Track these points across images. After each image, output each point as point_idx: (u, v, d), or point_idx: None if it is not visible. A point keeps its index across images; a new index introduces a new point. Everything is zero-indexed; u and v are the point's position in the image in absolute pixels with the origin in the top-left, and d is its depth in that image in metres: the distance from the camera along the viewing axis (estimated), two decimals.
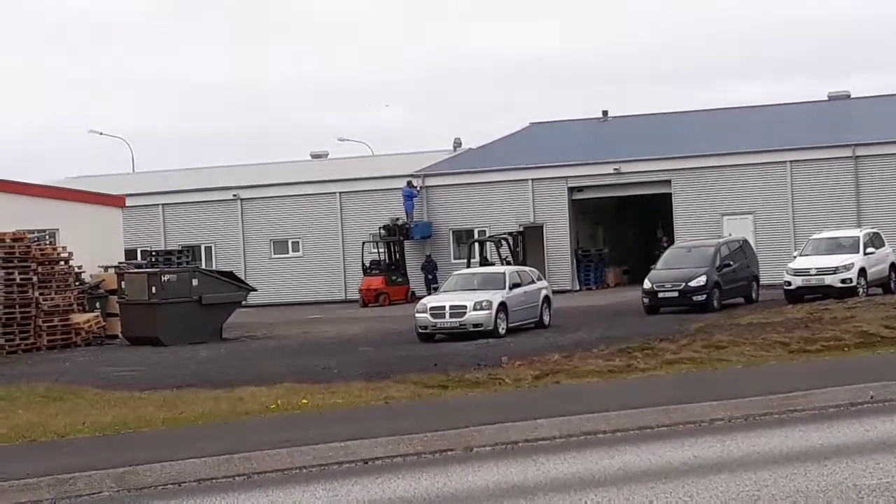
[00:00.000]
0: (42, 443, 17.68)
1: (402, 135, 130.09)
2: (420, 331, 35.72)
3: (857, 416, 16.85)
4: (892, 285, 43.47)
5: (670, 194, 56.20)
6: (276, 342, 38.04)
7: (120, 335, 40.38)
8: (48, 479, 14.41)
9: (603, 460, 14.66)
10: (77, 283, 40.96)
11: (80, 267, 41.25)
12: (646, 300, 40.89)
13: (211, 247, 61.88)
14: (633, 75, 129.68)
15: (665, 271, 41.61)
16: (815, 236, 44.57)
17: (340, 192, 60.67)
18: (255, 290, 45.34)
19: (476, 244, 55.93)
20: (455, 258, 57.69)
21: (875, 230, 45.15)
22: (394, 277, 56.68)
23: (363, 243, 57.71)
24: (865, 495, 11.82)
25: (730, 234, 49.90)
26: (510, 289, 37.00)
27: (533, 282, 38.87)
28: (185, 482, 14.67)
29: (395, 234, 57.55)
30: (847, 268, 41.09)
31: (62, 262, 40.47)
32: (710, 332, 30.27)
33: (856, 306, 35.15)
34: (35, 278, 39.13)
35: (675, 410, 17.25)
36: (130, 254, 51.80)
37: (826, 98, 65.31)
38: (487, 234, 56.98)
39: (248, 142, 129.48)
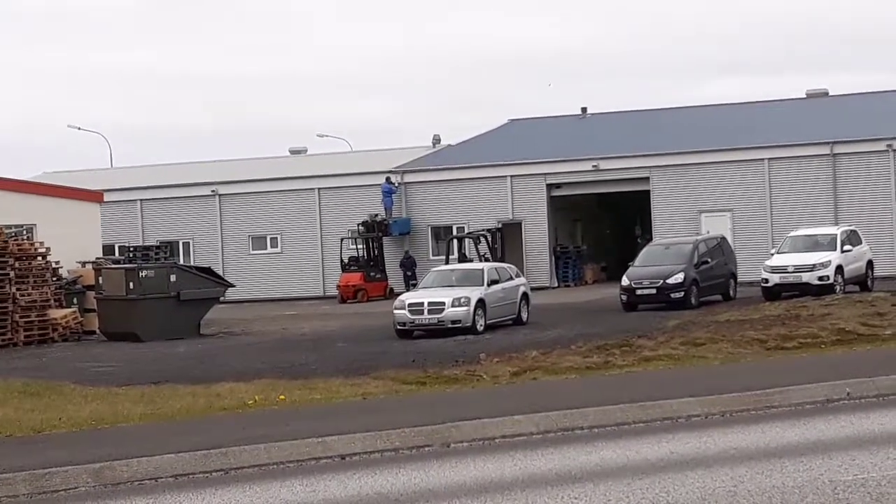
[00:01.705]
0: (18, 438, 17.64)
1: (381, 131, 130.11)
2: (398, 327, 35.72)
3: (834, 413, 16.93)
4: (869, 283, 43.65)
5: (649, 191, 56.28)
6: (254, 338, 38.00)
7: (97, 331, 40.27)
8: (24, 475, 14.37)
9: (580, 456, 14.69)
10: (54, 279, 40.82)
11: (57, 262, 41.11)
12: (624, 297, 40.96)
13: (189, 242, 61.75)
14: (613, 72, 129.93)
15: (643, 268, 41.67)
16: (792, 234, 44.69)
17: (319, 188, 60.62)
18: (234, 286, 45.28)
19: (454, 241, 55.93)
20: (434, 255, 57.68)
21: (852, 228, 45.31)
22: (372, 274, 56.64)
23: (342, 239, 57.64)
24: (841, 491, 11.87)
25: (708, 232, 50.00)
26: (488, 285, 37.02)
27: (511, 278, 38.91)
28: (161, 477, 14.66)
29: (373, 231, 57.51)
30: (824, 265, 41.22)
31: (39, 258, 40.33)
32: (688, 329, 30.35)
33: (833, 304, 35.28)
34: (12, 273, 39.00)
35: (653, 407, 17.30)
36: (108, 249, 51.65)
37: (804, 95, 65.48)
38: (466, 231, 56.98)
39: (227, 137, 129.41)
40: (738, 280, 44.50)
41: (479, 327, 35.67)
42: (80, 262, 43.16)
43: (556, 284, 57.11)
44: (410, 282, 54.32)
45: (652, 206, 56.17)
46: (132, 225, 62.13)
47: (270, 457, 15.22)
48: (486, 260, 50.73)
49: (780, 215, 53.94)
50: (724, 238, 46.44)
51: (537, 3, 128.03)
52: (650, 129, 61.17)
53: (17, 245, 39.99)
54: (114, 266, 42.46)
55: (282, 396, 20.85)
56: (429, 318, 35.51)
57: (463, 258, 53.58)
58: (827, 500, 11.59)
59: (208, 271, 42.88)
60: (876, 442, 14.44)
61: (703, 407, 17.37)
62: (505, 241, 56.24)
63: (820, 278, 40.94)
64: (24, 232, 42.57)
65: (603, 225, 61.88)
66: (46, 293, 39.74)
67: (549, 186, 57.83)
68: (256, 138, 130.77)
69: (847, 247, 42.60)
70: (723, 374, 21.22)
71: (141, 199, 62.71)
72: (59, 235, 41.61)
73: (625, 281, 41.22)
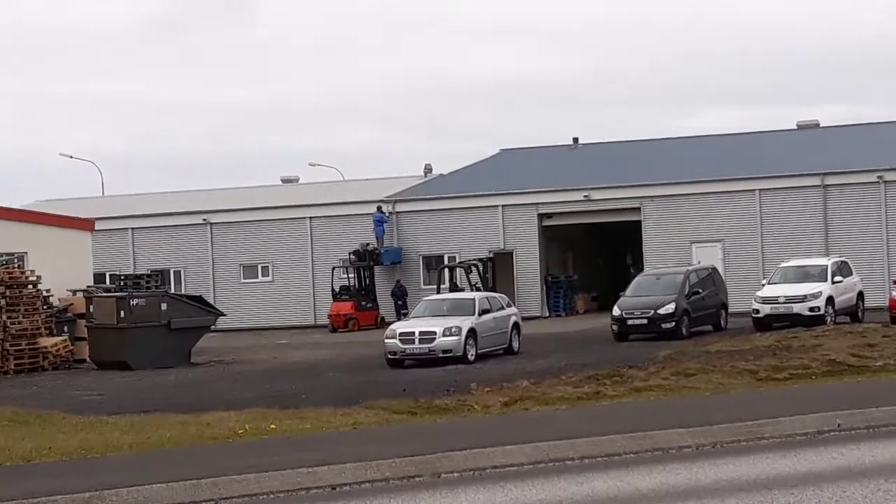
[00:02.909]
0: (8, 467, 17.57)
1: (373, 160, 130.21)
2: (389, 356, 35.70)
3: (825, 444, 16.91)
4: (860, 314, 43.68)
5: (640, 221, 56.35)
6: (244, 367, 37.94)
7: (88, 359, 40.22)
8: None
9: (571, 487, 14.65)
10: (45, 307, 40.78)
11: (48, 290, 41.09)
12: (615, 327, 40.96)
13: (180, 271, 61.71)
14: (604, 102, 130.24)
15: (634, 298, 41.70)
16: (783, 264, 44.75)
17: (311, 217, 60.64)
18: (225, 315, 45.28)
19: (446, 270, 55.95)
20: (425, 284, 57.70)
21: (843, 259, 45.38)
22: (363, 303, 56.61)
23: (333, 268, 57.63)
24: None
25: (699, 262, 50.05)
26: (479, 315, 37.02)
27: (502, 308, 38.91)
28: None
29: (365, 260, 57.51)
30: (815, 296, 41.28)
31: (30, 286, 40.31)
32: (679, 360, 30.33)
33: (824, 335, 35.31)
34: (3, 302, 38.97)
35: (644, 437, 17.26)
36: (99, 277, 51.64)
37: (795, 127, 65.65)
38: (457, 260, 56.99)
39: (219, 166, 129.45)
40: (729, 310, 44.51)
41: (471, 357, 35.66)
42: (70, 291, 43.13)
43: (547, 314, 57.12)
44: (402, 311, 54.32)
45: (643, 236, 56.23)
46: (123, 253, 62.10)
47: (260, 487, 15.16)
48: (478, 289, 50.72)
49: (771, 246, 54.01)
50: (715, 268, 46.48)
51: (529, 33, 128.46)
52: (641, 159, 61.30)
53: (8, 273, 39.97)
54: (105, 294, 42.43)
55: (272, 426, 20.80)
56: (420, 348, 35.51)
57: (454, 287, 53.59)
58: None
59: (199, 300, 42.88)
60: (866, 474, 14.42)
61: (694, 438, 17.34)
62: (496, 270, 56.25)
63: (811, 309, 41.00)
64: (15, 260, 42.52)
65: (594, 255, 61.91)
66: (37, 321, 39.70)
67: (541, 216, 57.89)
68: (248, 167, 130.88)
69: (838, 278, 42.67)
70: (713, 404, 21.19)
71: (132, 228, 62.68)
72: (50, 263, 41.59)
73: (616, 311, 41.24)
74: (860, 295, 44.37)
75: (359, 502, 14.27)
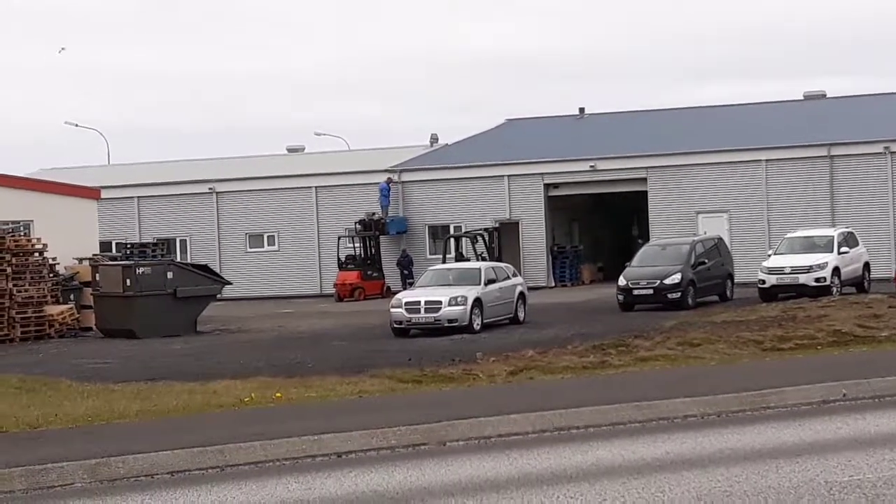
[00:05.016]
0: (14, 434, 17.62)
1: (379, 130, 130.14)
2: (395, 326, 35.71)
3: (829, 414, 16.94)
4: (866, 284, 43.68)
5: (646, 192, 56.29)
6: (250, 336, 38.00)
7: (94, 327, 40.28)
8: (20, 471, 14.36)
9: (576, 455, 14.69)
10: (51, 275, 40.82)
11: (54, 258, 41.11)
12: (621, 297, 40.97)
13: (186, 240, 61.74)
14: (611, 73, 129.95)
15: (640, 268, 41.69)
16: (789, 235, 44.71)
17: (316, 187, 60.62)
18: (231, 284, 45.31)
19: (452, 240, 55.94)
20: (431, 253, 57.69)
21: (849, 229, 45.32)
22: (369, 272, 56.63)
23: (339, 238, 57.62)
24: (836, 492, 11.87)
25: (705, 232, 50.01)
26: (485, 285, 37.01)
27: (508, 278, 38.90)
28: (157, 474, 14.65)
29: (370, 229, 57.50)
30: (821, 267, 41.24)
31: (37, 254, 40.34)
32: (685, 330, 30.33)
33: (829, 305, 35.28)
34: (9, 269, 39.00)
35: (649, 406, 17.30)
36: (105, 246, 51.65)
37: (802, 98, 65.50)
38: (463, 230, 56.98)
39: (225, 135, 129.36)
40: (735, 281, 44.51)
41: (476, 326, 35.67)
42: (77, 259, 43.14)
43: (553, 284, 57.12)
44: (407, 280, 54.33)
45: (649, 207, 56.18)
46: (129, 222, 62.12)
47: (266, 454, 15.21)
48: (483, 259, 50.73)
49: (777, 217, 53.96)
50: (721, 239, 46.45)
51: (537, 4, 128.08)
52: (647, 129, 61.18)
53: (14, 241, 40.00)
54: (111, 263, 42.43)
55: (278, 394, 20.84)
56: (425, 317, 35.52)
57: (460, 257, 53.59)
58: (822, 501, 11.59)
59: (205, 269, 42.90)
60: (872, 443, 14.45)
61: (699, 407, 17.38)
62: (502, 240, 56.25)
63: (817, 280, 40.97)
64: (22, 228, 42.55)
65: (600, 225, 61.88)
66: (43, 289, 39.73)
67: (547, 186, 57.84)
68: (254, 136, 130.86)
69: (844, 248, 42.61)
70: (719, 374, 21.22)
71: (138, 197, 62.70)
72: (56, 232, 41.59)
73: (622, 281, 41.24)
74: (866, 266, 44.35)
75: (364, 470, 14.31)
